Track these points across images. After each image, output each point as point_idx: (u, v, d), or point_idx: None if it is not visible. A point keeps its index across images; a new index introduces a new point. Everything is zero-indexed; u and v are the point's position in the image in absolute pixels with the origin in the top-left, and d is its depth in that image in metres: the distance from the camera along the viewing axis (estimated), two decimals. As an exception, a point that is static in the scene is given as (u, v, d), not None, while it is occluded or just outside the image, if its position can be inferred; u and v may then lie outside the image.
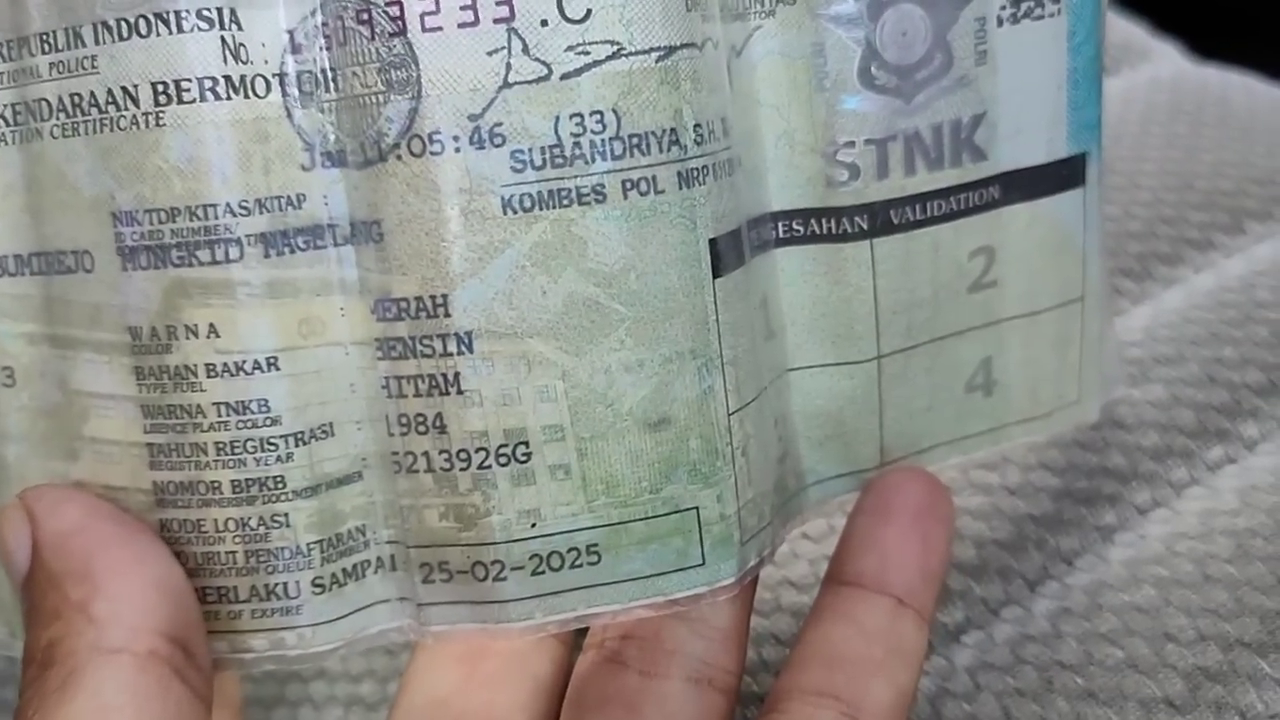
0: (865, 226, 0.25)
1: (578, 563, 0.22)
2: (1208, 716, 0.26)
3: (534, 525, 0.22)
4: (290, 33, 0.21)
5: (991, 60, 0.25)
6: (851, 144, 0.24)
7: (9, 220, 0.22)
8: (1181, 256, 0.36)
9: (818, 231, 0.24)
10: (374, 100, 0.21)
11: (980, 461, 0.31)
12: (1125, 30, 0.46)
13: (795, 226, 0.24)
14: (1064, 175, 0.26)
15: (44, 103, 0.21)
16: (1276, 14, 0.67)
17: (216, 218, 0.21)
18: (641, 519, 0.22)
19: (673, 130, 0.21)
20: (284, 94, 0.21)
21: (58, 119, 0.21)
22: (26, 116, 0.22)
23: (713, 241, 0.22)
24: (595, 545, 0.22)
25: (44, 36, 0.21)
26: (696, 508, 0.22)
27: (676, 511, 0.22)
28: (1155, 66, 0.44)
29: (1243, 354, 0.33)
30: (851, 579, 0.25)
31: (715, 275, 0.22)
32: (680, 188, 0.22)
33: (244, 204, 0.21)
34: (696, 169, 0.22)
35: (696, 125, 0.22)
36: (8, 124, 0.22)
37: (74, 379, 0.22)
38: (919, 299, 0.26)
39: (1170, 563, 0.29)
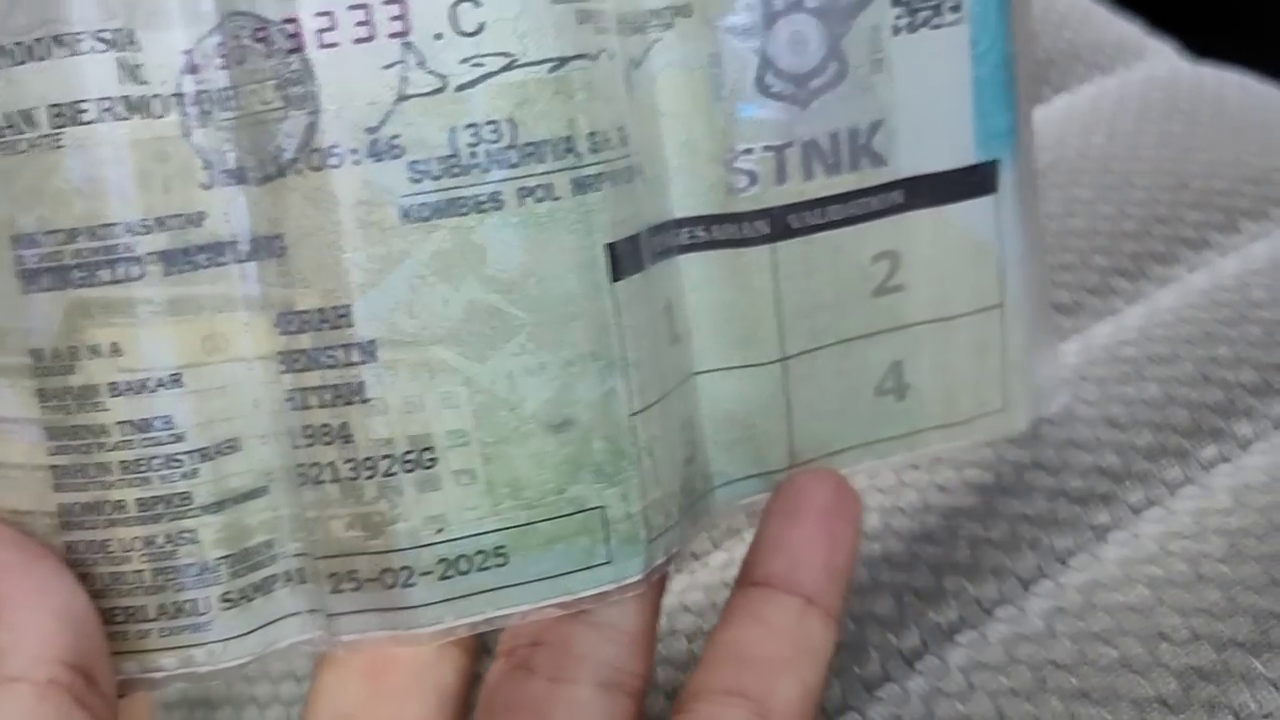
0: (766, 231, 0.25)
1: (485, 565, 0.23)
2: (1201, 716, 0.26)
3: (440, 530, 0.22)
4: (188, 53, 0.21)
5: (888, 68, 0.25)
6: (750, 151, 0.25)
7: None
8: (1176, 255, 0.36)
9: (720, 237, 0.25)
10: (272, 116, 0.21)
11: (974, 461, 0.31)
12: (1120, 29, 0.46)
13: (698, 233, 0.25)
14: (972, 182, 0.27)
15: None
16: (1273, 11, 0.67)
17: (116, 237, 0.21)
18: (547, 519, 0.23)
19: (568, 139, 0.22)
20: (182, 113, 0.21)
21: None
22: None
23: (610, 246, 0.23)
24: (502, 547, 0.23)
25: None
26: (602, 507, 0.23)
27: (582, 511, 0.23)
28: (1150, 65, 0.44)
29: (1237, 353, 0.33)
30: (761, 580, 0.25)
31: (615, 279, 0.23)
32: (576, 194, 0.22)
33: (144, 223, 0.21)
34: (592, 176, 0.22)
35: (591, 134, 0.22)
36: None
37: None
38: (822, 302, 0.26)
39: (1164, 562, 0.29)
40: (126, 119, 0.21)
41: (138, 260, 0.21)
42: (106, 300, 0.21)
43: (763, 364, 0.26)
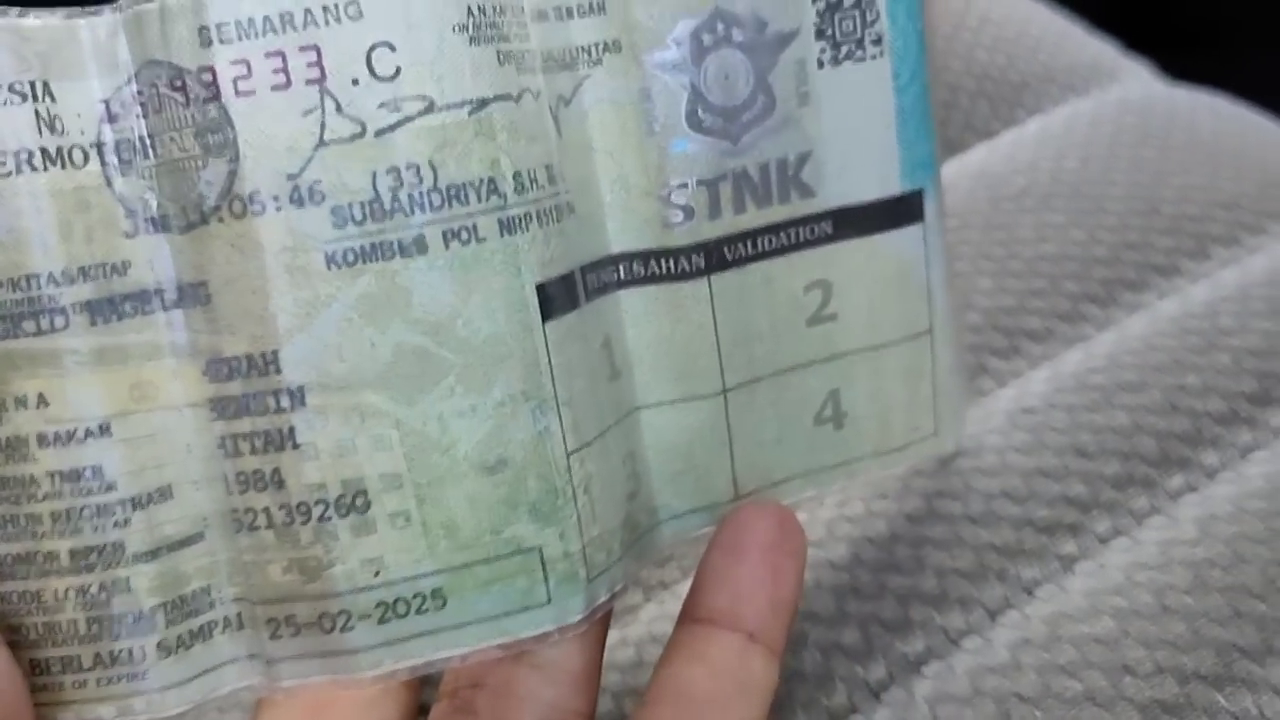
0: (702, 265, 0.25)
1: (424, 608, 0.22)
2: (1163, 750, 0.26)
3: (377, 574, 0.22)
4: (106, 102, 0.21)
5: (815, 101, 0.26)
6: (684, 185, 0.25)
7: None
8: (1147, 282, 0.36)
9: (657, 272, 0.25)
10: (192, 164, 0.21)
11: (943, 490, 0.31)
12: (1095, 50, 0.46)
13: (635, 268, 0.25)
14: (899, 211, 0.27)
15: None
16: (1250, 27, 0.67)
17: (39, 288, 0.21)
18: (484, 560, 0.23)
19: (491, 180, 0.22)
20: (103, 163, 0.21)
21: None
22: None
23: (541, 286, 0.23)
24: (440, 589, 0.23)
25: None
26: (539, 547, 0.23)
27: (519, 552, 0.23)
28: (1124, 87, 0.44)
29: (1205, 381, 0.33)
30: (704, 616, 0.25)
31: (545, 319, 0.23)
32: (502, 235, 0.22)
33: (66, 273, 0.21)
34: (518, 216, 0.22)
35: (516, 174, 0.22)
36: None
37: None
38: (757, 332, 0.26)
39: (1129, 593, 0.29)
40: (45, 170, 0.21)
41: (62, 311, 0.21)
42: (30, 352, 0.21)
43: (704, 396, 0.26)
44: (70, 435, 0.21)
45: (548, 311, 0.23)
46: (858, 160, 0.26)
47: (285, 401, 0.22)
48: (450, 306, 0.22)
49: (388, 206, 0.21)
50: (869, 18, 0.26)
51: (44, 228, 0.21)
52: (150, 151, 0.21)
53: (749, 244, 0.26)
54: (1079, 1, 0.49)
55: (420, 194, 0.21)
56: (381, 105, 0.21)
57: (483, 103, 0.22)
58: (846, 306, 0.27)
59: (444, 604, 0.22)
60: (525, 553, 0.23)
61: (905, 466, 0.29)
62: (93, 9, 0.21)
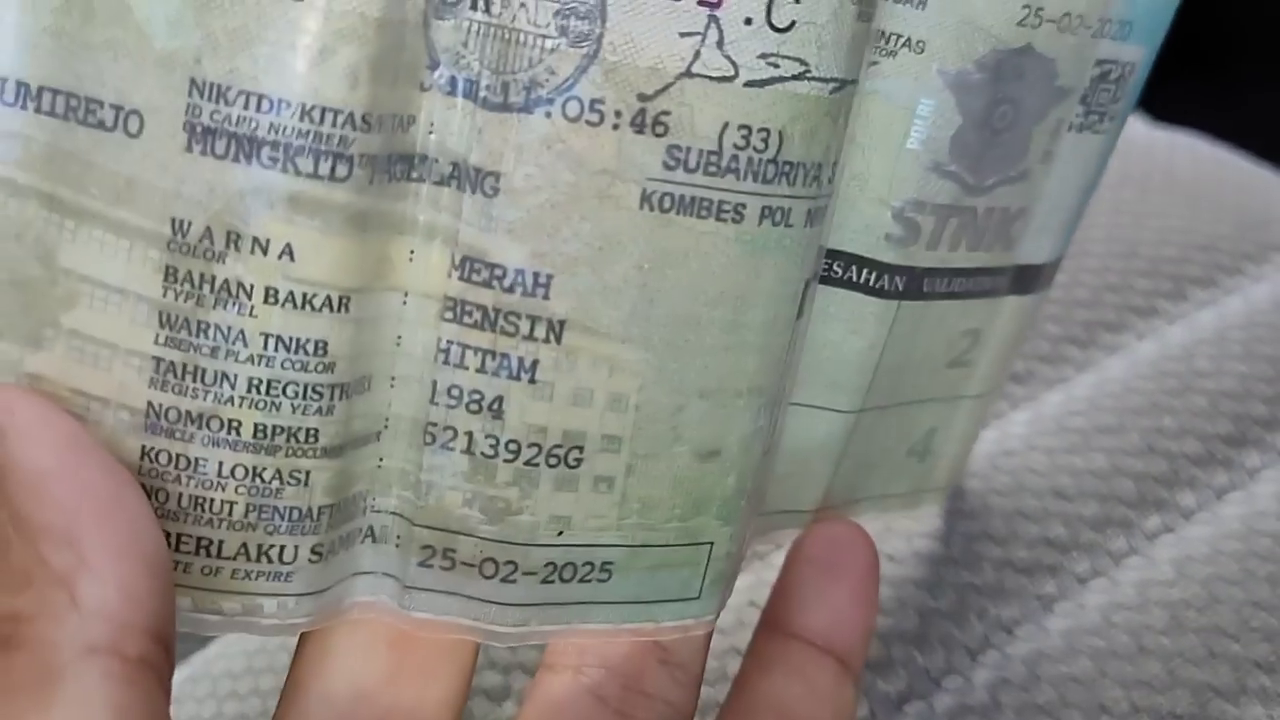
0: (900, 287, 0.24)
1: (588, 578, 0.21)
2: (1139, 789, 0.27)
3: (560, 533, 0.21)
4: None
5: (1051, 161, 0.25)
6: (920, 206, 0.23)
7: (23, 38, 0.18)
8: (1126, 324, 0.37)
9: (854, 280, 0.24)
10: (537, 42, 0.18)
11: (924, 531, 0.32)
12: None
13: (835, 268, 0.24)
14: (1047, 277, 0.27)
15: None
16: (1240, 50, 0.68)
17: (334, 125, 0.18)
18: (662, 544, 0.21)
19: (818, 166, 0.20)
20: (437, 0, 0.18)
21: None
22: None
23: (806, 282, 0.21)
24: (610, 563, 0.21)
25: None
26: (712, 542, 0.22)
27: (694, 544, 0.22)
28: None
29: (1181, 424, 0.33)
30: (798, 632, 0.25)
31: (797, 316, 0.22)
32: (806, 225, 0.20)
33: (367, 118, 0.18)
34: (819, 209, 0.21)
35: (834, 164, 0.21)
36: None
37: (66, 255, 0.18)
38: (910, 363, 0.26)
39: (1107, 633, 0.30)
40: None
41: (348, 159, 0.18)
42: (298, 194, 0.18)
43: (841, 411, 0.25)
44: (307, 300, 0.18)
45: (801, 309, 0.22)
46: (1052, 224, 0.26)
47: (539, 331, 0.19)
48: (739, 285, 0.20)
49: (724, 164, 0.19)
50: (1117, 94, 0.25)
51: (360, 60, 0.18)
52: (486, 6, 0.18)
53: (947, 280, 0.25)
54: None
55: (759, 160, 0.19)
56: (762, 55, 0.19)
57: (842, 84, 0.20)
58: (982, 356, 0.27)
59: (608, 578, 0.21)
60: (698, 545, 0.22)
61: (937, 507, 0.29)
62: None
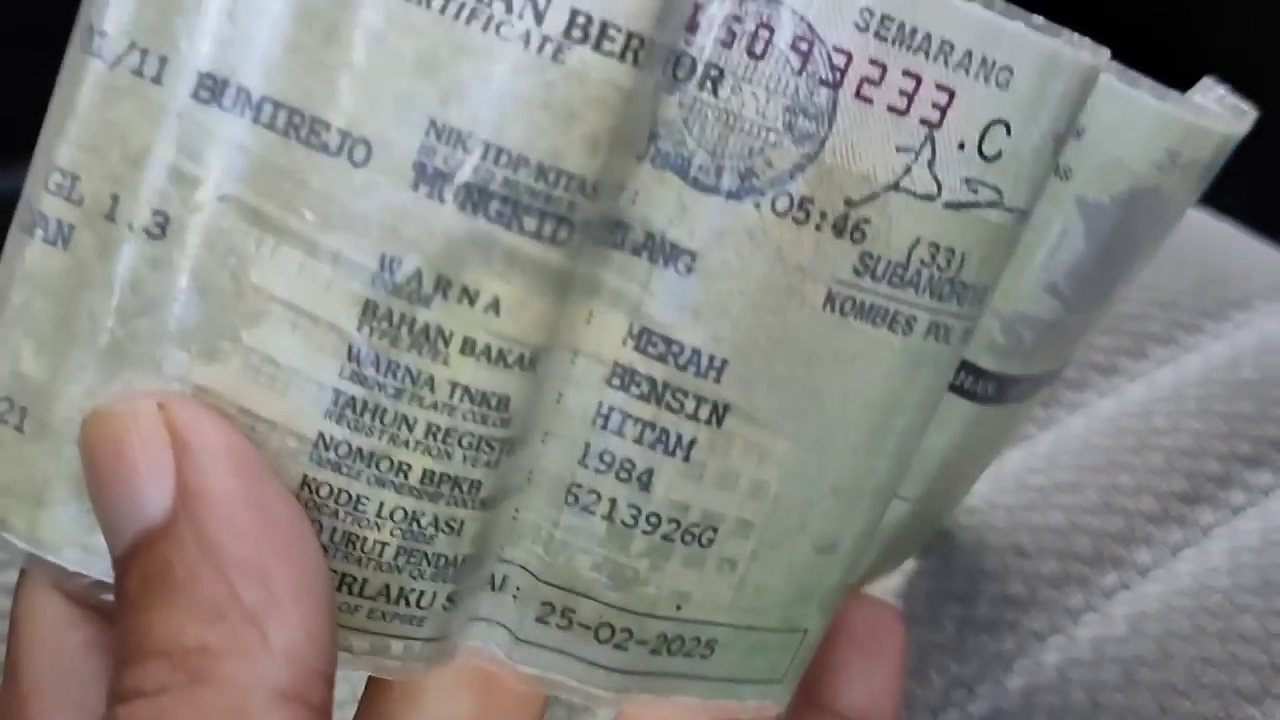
0: (991, 393, 0.25)
1: (692, 653, 0.21)
2: (1090, 845, 0.28)
3: (679, 608, 0.21)
4: (697, 7, 0.18)
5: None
6: (1029, 320, 0.24)
7: (257, 48, 0.18)
8: (1088, 381, 0.38)
9: (953, 383, 0.24)
10: (760, 133, 0.18)
11: (889, 589, 0.33)
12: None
13: None
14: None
15: None
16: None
17: (565, 190, 0.18)
18: (766, 629, 0.22)
19: (985, 289, 0.21)
20: (662, 73, 0.18)
21: None
22: None
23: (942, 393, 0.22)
24: (716, 641, 0.21)
25: None
26: (806, 630, 0.22)
27: (793, 631, 0.22)
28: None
29: (1139, 481, 0.35)
30: (842, 710, 0.26)
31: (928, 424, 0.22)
32: (959, 342, 0.21)
33: (596, 185, 0.18)
34: (970, 329, 0.21)
35: (990, 288, 0.21)
36: None
37: (259, 272, 0.18)
38: (968, 456, 0.27)
39: (1063, 690, 0.30)
40: (632, 65, 0.18)
41: (570, 223, 0.18)
42: (515, 251, 0.18)
43: (908, 499, 0.26)
44: (502, 355, 0.18)
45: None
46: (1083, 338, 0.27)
47: (704, 413, 0.20)
48: (893, 393, 0.21)
49: (908, 277, 0.20)
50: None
51: (600, 123, 0.18)
52: (713, 88, 0.18)
53: (1024, 387, 0.26)
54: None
55: (939, 278, 0.20)
56: (965, 180, 0.19)
57: (1024, 215, 0.20)
58: (991, 451, 0.29)
59: (710, 654, 0.21)
60: (795, 632, 0.22)
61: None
62: None
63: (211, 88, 0.18)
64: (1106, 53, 0.20)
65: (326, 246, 0.18)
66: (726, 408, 0.20)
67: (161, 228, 0.18)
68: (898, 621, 0.26)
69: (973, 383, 0.25)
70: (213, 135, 0.18)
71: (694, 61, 0.18)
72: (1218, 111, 0.24)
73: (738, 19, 0.18)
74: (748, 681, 0.22)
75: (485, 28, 0.17)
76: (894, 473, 0.22)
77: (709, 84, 0.18)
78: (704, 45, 0.18)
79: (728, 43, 0.18)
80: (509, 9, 0.17)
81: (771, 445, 0.20)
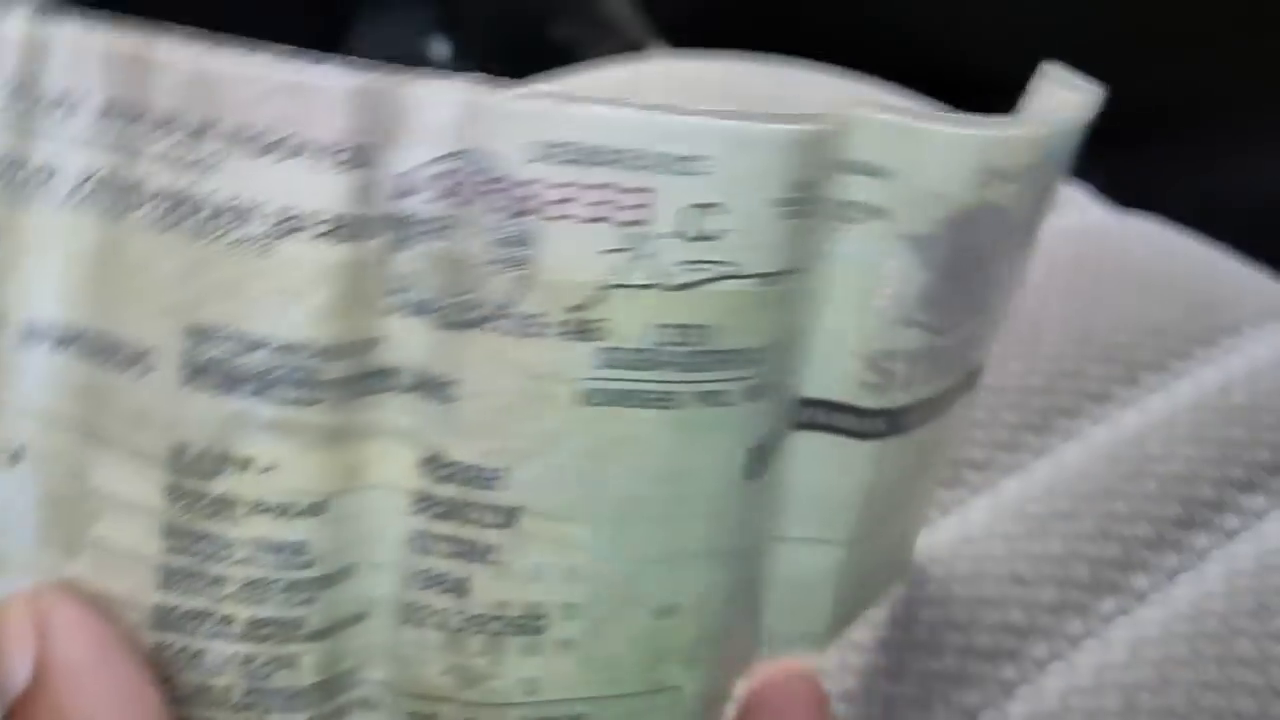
0: (882, 428, 0.26)
1: None
2: None
3: (531, 693, 0.22)
4: (407, 174, 0.20)
5: (1003, 284, 0.27)
6: (891, 355, 0.25)
7: (66, 289, 0.20)
8: (1081, 409, 0.39)
9: (839, 426, 0.25)
10: (479, 268, 0.20)
11: (891, 618, 0.33)
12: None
13: (819, 416, 0.25)
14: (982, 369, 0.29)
15: (142, 189, 0.20)
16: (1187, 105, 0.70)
17: (303, 359, 0.20)
18: (631, 694, 0.23)
19: (759, 349, 0.22)
20: (388, 237, 0.20)
21: (156, 212, 0.20)
22: (115, 195, 0.20)
23: (750, 449, 0.23)
24: (584, 715, 0.23)
25: (166, 122, 0.19)
26: (679, 685, 0.23)
27: (662, 690, 0.23)
28: (1062, 216, 0.46)
29: (1134, 508, 0.35)
30: None
31: (745, 478, 0.23)
32: (745, 401, 0.22)
33: (330, 349, 0.20)
34: (764, 384, 0.22)
35: (775, 343, 0.22)
36: (86, 193, 0.20)
37: (95, 476, 0.21)
38: (894, 490, 0.27)
39: (1063, 718, 0.31)
40: (343, 241, 0.20)
41: (318, 385, 0.20)
42: (275, 420, 0.20)
43: (838, 542, 0.27)
44: (286, 509, 0.21)
45: (749, 471, 0.23)
46: (998, 329, 0.28)
47: (498, 519, 0.21)
48: (679, 462, 0.22)
49: (653, 359, 0.21)
50: (1046, 206, 0.27)
51: (324, 299, 0.20)
52: (436, 237, 0.20)
53: (923, 412, 0.26)
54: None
55: (689, 354, 0.21)
56: (684, 263, 0.21)
57: (774, 276, 0.21)
58: (939, 460, 0.29)
59: None
60: (667, 691, 0.23)
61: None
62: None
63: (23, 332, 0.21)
64: (837, 114, 0.22)
65: (135, 445, 0.21)
66: (517, 510, 0.21)
67: (17, 458, 0.21)
68: (807, 686, 0.27)
69: (858, 424, 0.25)
70: (44, 371, 0.21)
71: (410, 219, 0.20)
72: (1031, 118, 0.26)
73: (438, 177, 0.20)
74: None
75: (214, 241, 0.20)
76: (721, 530, 0.23)
77: (429, 236, 0.20)
78: (415, 207, 0.20)
79: (435, 199, 0.20)
80: (215, 216, 0.20)
81: (570, 533, 0.22)
